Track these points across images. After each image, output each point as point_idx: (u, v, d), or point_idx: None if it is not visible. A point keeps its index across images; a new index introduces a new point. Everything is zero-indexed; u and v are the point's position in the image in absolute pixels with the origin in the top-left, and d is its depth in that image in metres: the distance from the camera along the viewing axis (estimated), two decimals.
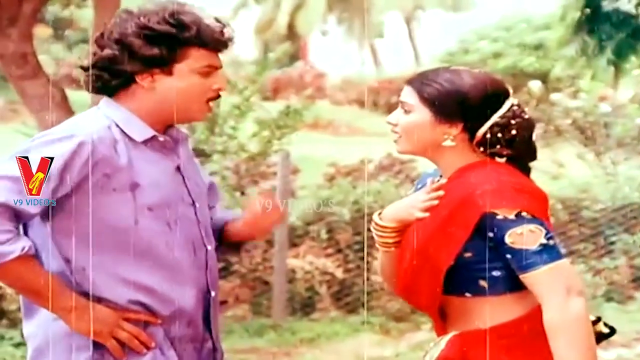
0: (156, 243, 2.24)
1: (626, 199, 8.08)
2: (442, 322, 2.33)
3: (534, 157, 2.33)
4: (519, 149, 2.28)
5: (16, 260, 2.12)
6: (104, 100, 2.32)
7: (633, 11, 16.59)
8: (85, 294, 2.23)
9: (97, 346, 2.23)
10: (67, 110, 6.59)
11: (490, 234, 2.19)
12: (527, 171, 2.32)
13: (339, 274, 7.47)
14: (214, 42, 2.28)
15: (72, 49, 22.41)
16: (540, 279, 2.17)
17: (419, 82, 2.29)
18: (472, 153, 2.28)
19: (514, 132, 2.27)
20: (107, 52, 2.26)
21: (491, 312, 2.24)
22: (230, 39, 2.31)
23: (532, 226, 2.17)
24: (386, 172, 9.59)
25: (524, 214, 2.18)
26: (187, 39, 2.25)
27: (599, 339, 2.32)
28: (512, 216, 2.17)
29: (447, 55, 24.73)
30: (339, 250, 7.48)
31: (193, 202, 2.34)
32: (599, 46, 17.86)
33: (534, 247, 2.17)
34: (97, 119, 2.25)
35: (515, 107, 2.29)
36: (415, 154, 2.35)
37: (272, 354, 6.46)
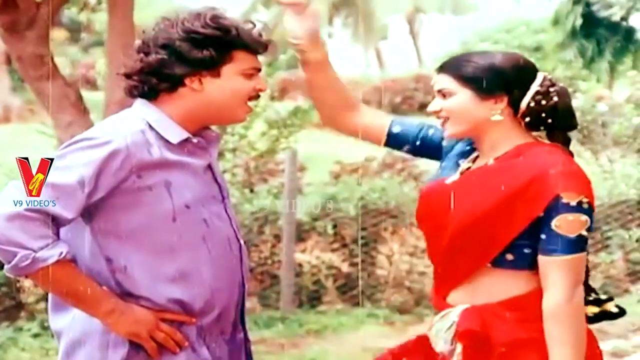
0: (194, 239, 2.24)
1: (622, 196, 8.07)
2: (447, 292, 2.32)
3: (575, 124, 2.33)
4: (561, 116, 2.29)
5: (54, 265, 2.11)
6: (139, 102, 2.31)
7: (624, 15, 16.57)
8: (127, 294, 2.22)
9: (133, 343, 2.22)
10: (82, 110, 6.60)
11: (541, 214, 2.19)
12: (568, 149, 2.32)
13: (345, 268, 7.47)
14: (255, 44, 2.29)
15: (87, 51, 22.45)
16: (559, 266, 2.18)
17: (453, 65, 2.28)
18: (519, 126, 2.29)
19: (555, 98, 2.28)
20: (154, 57, 2.25)
21: (507, 284, 2.24)
22: (268, 42, 2.32)
23: (584, 217, 2.19)
24: (389, 170, 9.59)
25: (584, 202, 2.18)
26: (232, 41, 2.26)
27: (607, 317, 2.36)
28: (574, 202, 2.17)
29: (449, 57, 24.72)
30: (345, 245, 7.48)
31: (223, 198, 2.35)
32: (597, 49, 17.86)
33: (572, 235, 2.18)
34: (132, 123, 2.24)
35: (549, 77, 2.31)
36: (465, 135, 2.33)
37: (280, 344, 6.47)
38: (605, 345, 6.19)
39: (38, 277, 2.13)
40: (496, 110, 2.26)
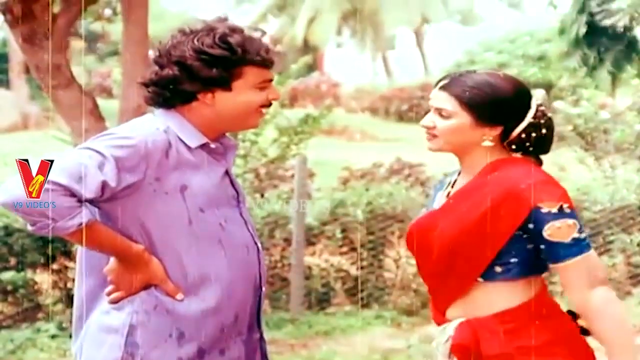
0: (210, 242, 2.26)
1: (624, 201, 8.04)
2: (445, 307, 2.32)
3: (548, 150, 2.34)
4: (543, 144, 2.31)
5: (78, 231, 2.15)
6: (159, 110, 2.34)
7: (627, 25, 16.55)
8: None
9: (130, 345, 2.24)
10: (97, 117, 6.62)
11: (531, 226, 2.20)
12: (540, 163, 2.34)
13: (353, 271, 7.47)
14: (264, 60, 2.32)
15: (103, 61, 22.53)
16: (569, 270, 2.20)
17: (457, 88, 2.26)
18: (502, 150, 2.29)
19: (544, 130, 2.29)
20: (167, 72, 2.28)
21: (500, 296, 2.24)
22: (278, 54, 2.36)
23: (570, 221, 2.20)
24: (397, 175, 9.59)
25: (565, 207, 2.19)
26: (240, 60, 2.28)
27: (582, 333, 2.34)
28: (555, 209, 2.18)
29: (455, 66, 24.69)
30: (353, 249, 7.48)
31: (238, 203, 2.37)
32: (598, 58, 17.84)
33: (568, 240, 2.19)
34: (154, 125, 2.28)
35: (541, 107, 2.31)
36: (448, 152, 2.33)
37: (290, 345, 6.47)
38: None
39: (63, 236, 2.19)
40: (488, 137, 2.26)
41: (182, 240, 2.24)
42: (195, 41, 2.27)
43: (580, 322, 2.33)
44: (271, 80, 2.36)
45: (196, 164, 2.28)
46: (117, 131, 2.27)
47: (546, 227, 2.18)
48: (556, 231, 2.18)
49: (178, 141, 2.27)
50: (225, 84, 2.28)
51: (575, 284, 2.20)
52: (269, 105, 2.37)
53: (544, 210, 2.18)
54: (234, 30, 2.31)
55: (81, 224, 2.15)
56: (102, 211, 2.24)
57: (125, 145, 2.19)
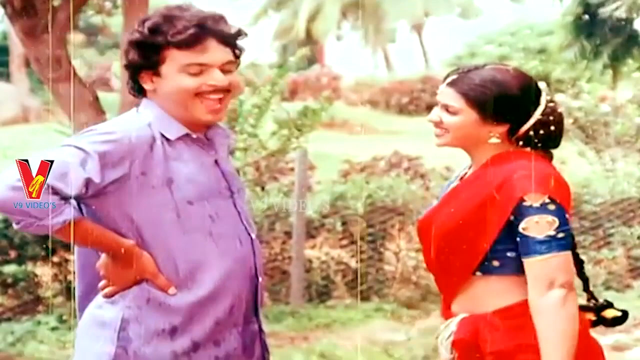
0: (200, 234, 2.24)
1: (624, 194, 8.05)
2: (450, 301, 2.32)
3: (558, 145, 2.32)
4: (552, 140, 2.29)
5: (64, 228, 2.15)
6: (143, 101, 2.32)
7: (627, 16, 16.51)
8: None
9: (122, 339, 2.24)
10: (98, 110, 6.62)
11: (512, 217, 2.18)
12: (550, 156, 2.32)
13: (353, 263, 7.47)
14: (183, 41, 2.22)
15: (103, 54, 22.52)
16: (532, 266, 2.17)
17: (464, 85, 2.24)
18: (510, 146, 2.28)
19: (552, 127, 2.27)
20: (122, 60, 2.33)
21: (501, 292, 2.23)
22: (200, 36, 2.23)
23: (550, 217, 2.16)
24: (396, 168, 9.60)
25: (549, 203, 2.16)
26: (157, 42, 2.23)
27: (617, 322, 2.34)
28: (537, 204, 2.16)
29: (455, 59, 24.69)
30: (353, 242, 7.49)
31: (232, 194, 2.32)
32: (595, 50, 17.81)
33: (541, 236, 2.16)
34: (137, 120, 2.26)
35: (551, 104, 2.28)
36: (455, 147, 2.32)
37: (290, 338, 6.47)
38: (606, 339, 6.18)
39: (50, 233, 2.18)
40: (495, 134, 2.25)
41: (172, 234, 2.22)
42: (131, 29, 2.30)
43: (589, 315, 2.32)
44: (210, 65, 2.24)
45: (181, 156, 2.25)
46: (100, 127, 2.24)
47: (524, 220, 2.16)
48: (532, 225, 2.16)
49: (161, 135, 2.25)
50: (151, 68, 2.25)
51: (533, 282, 2.16)
52: (214, 92, 2.24)
53: (526, 203, 2.16)
54: (162, 14, 2.25)
55: (65, 221, 2.14)
56: (91, 208, 2.22)
57: (108, 140, 2.18)
